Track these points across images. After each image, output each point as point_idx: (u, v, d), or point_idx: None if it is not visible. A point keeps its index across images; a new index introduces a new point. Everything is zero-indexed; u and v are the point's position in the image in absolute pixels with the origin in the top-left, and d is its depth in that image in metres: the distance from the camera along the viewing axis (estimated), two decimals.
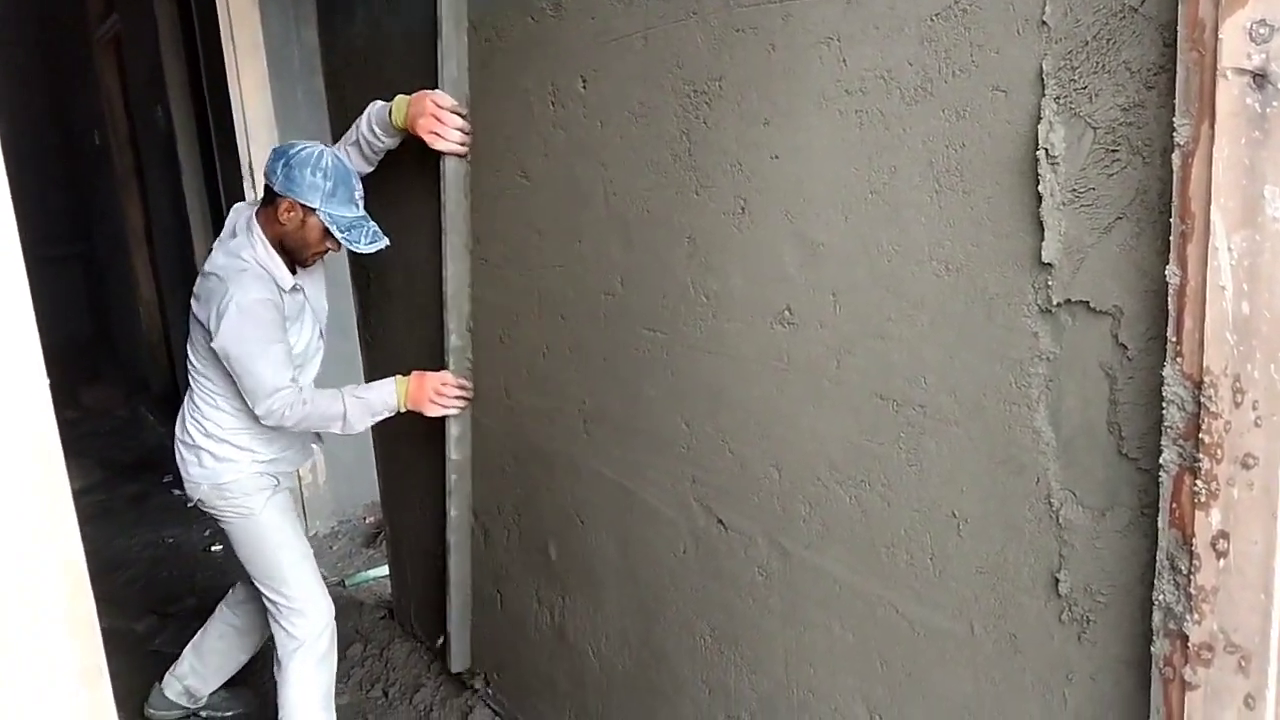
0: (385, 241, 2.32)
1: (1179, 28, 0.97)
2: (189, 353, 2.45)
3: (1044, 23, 1.11)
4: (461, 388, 2.45)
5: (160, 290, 6.01)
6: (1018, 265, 1.20)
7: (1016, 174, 1.17)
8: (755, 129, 1.51)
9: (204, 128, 4.29)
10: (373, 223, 2.34)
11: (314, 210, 2.26)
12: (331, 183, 2.25)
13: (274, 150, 2.32)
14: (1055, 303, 1.16)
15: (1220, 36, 0.92)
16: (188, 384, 2.52)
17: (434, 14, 2.20)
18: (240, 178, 3.66)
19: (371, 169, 2.49)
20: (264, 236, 2.32)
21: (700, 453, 1.76)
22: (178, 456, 2.54)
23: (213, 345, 2.25)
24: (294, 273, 2.40)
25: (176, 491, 4.98)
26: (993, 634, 1.32)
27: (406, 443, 2.89)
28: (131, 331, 6.90)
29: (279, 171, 2.26)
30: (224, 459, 2.46)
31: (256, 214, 2.35)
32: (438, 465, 2.65)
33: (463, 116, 2.24)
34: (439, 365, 2.48)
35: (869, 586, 1.49)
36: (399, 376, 2.43)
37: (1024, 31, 1.13)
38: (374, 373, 2.97)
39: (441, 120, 2.23)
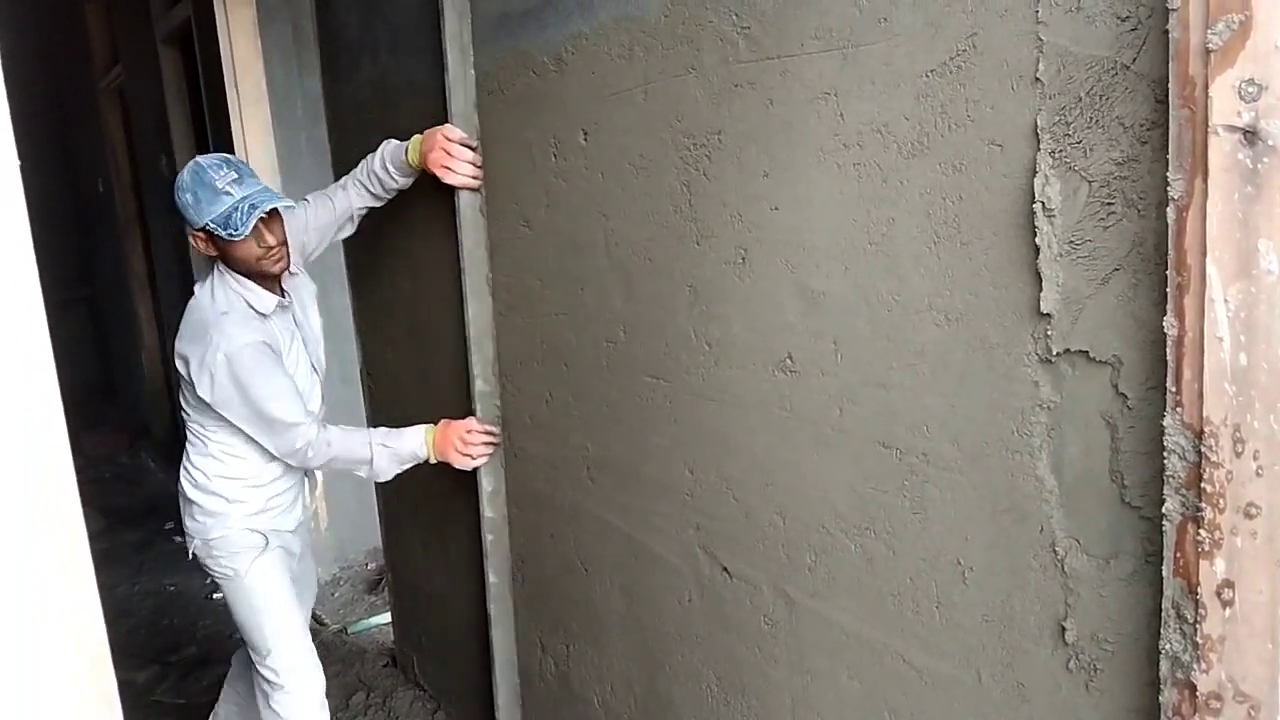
0: (269, 202, 2.14)
1: (1170, 85, 0.98)
2: (181, 400, 2.34)
3: (1038, 79, 1.13)
4: (488, 434, 2.31)
5: (163, 336, 6.04)
6: (1017, 315, 1.21)
7: (1013, 226, 1.19)
8: (755, 181, 1.53)
9: None
10: (247, 191, 2.14)
11: (205, 227, 2.14)
12: (191, 194, 2.13)
13: None
14: (1055, 352, 1.17)
15: (1210, 94, 0.94)
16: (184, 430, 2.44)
17: (440, 54, 2.23)
18: None
19: (379, 205, 2.45)
20: (227, 270, 2.25)
21: (705, 500, 1.77)
22: (180, 503, 2.45)
23: (210, 403, 2.17)
24: (282, 294, 2.32)
25: (178, 538, 4.97)
26: (1000, 683, 1.32)
27: (416, 489, 2.89)
28: (134, 377, 6.93)
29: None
30: (213, 513, 2.34)
31: None
32: (451, 513, 2.65)
33: (473, 149, 2.20)
34: (460, 413, 2.39)
35: (875, 635, 1.48)
36: (428, 425, 2.33)
37: (1018, 87, 1.15)
38: (377, 422, 2.97)
39: (451, 153, 2.18)
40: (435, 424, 2.34)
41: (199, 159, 2.18)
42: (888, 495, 1.42)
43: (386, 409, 2.98)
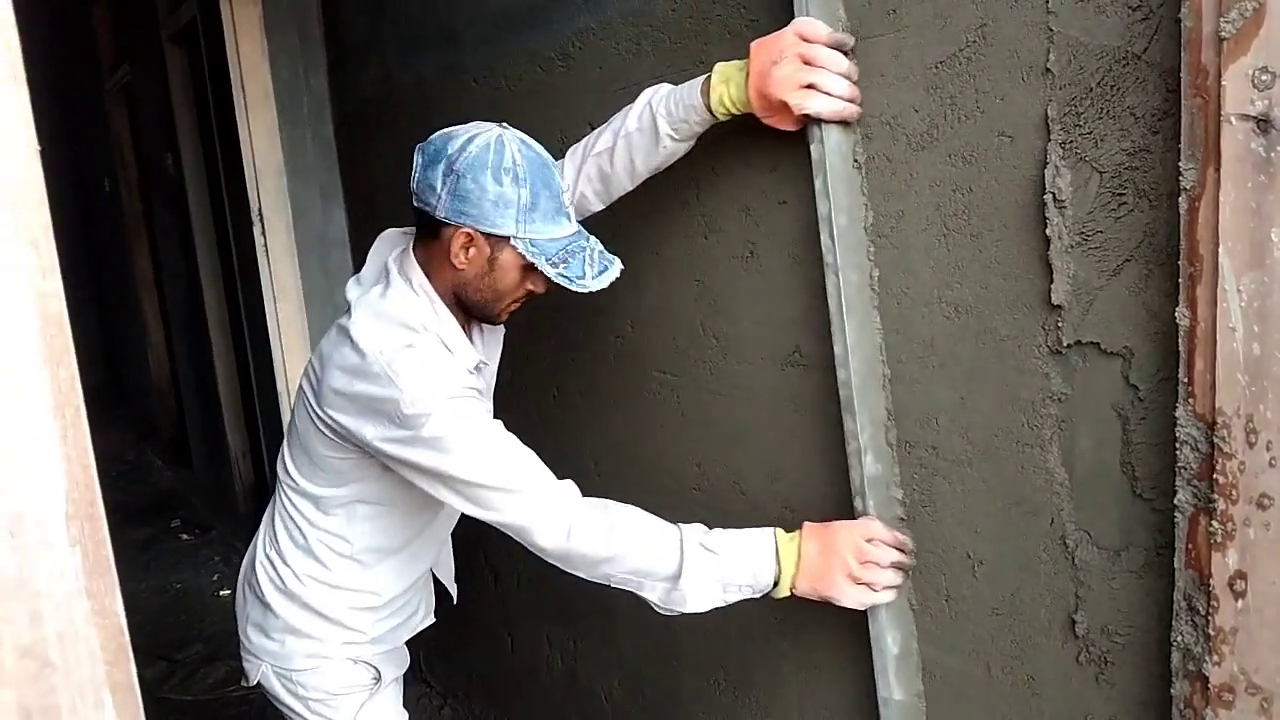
0: (618, 266, 1.50)
1: (1182, 74, 0.98)
2: (285, 451, 1.64)
3: (1048, 70, 1.13)
4: (900, 548, 1.37)
5: (169, 334, 6.05)
6: (1027, 307, 1.21)
7: (1024, 218, 1.18)
8: (763, 176, 1.53)
9: (213, 174, 4.34)
10: (592, 238, 1.51)
11: (506, 239, 1.44)
12: (528, 190, 1.41)
13: (423, 152, 1.47)
14: (1065, 344, 1.17)
15: (1223, 83, 0.93)
16: (271, 499, 1.72)
17: (451, 60, 2.22)
18: (249, 223, 3.70)
19: (608, 201, 1.63)
20: (430, 287, 1.50)
21: (712, 494, 1.76)
22: (237, 600, 1.77)
23: (406, 469, 1.44)
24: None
25: (184, 536, 4.99)
26: (1010, 676, 1.31)
27: None
28: (140, 376, 6.94)
29: (440, 187, 1.42)
30: (300, 633, 1.63)
31: (414, 251, 1.52)
32: None
33: (848, 54, 1.33)
34: (806, 515, 1.47)
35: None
36: (779, 530, 1.39)
37: (1028, 78, 1.15)
38: None
39: (816, 62, 1.29)
40: (790, 530, 1.40)
41: (528, 141, 1.47)
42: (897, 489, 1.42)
43: None
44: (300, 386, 1.61)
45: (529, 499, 1.40)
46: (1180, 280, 1.01)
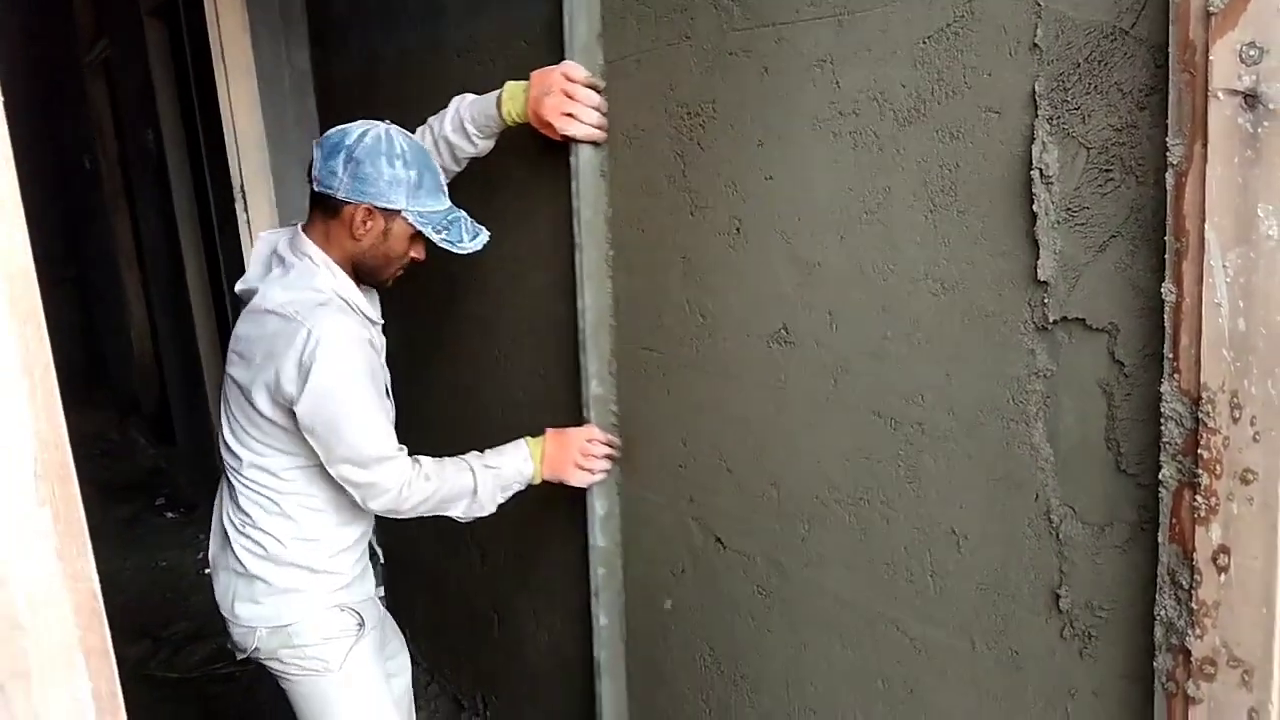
0: (486, 234, 1.83)
1: (1170, 49, 0.98)
2: (227, 437, 1.84)
3: (1036, 45, 1.12)
4: (610, 445, 1.91)
5: (151, 312, 6.00)
6: (1013, 284, 1.20)
7: (1011, 194, 1.18)
8: (749, 150, 1.52)
9: (194, 150, 4.29)
10: (461, 210, 1.83)
11: (398, 212, 1.75)
12: (415, 171, 1.74)
13: (321, 146, 1.77)
14: (1051, 320, 1.17)
15: (1211, 58, 0.93)
16: (224, 482, 1.91)
17: (433, 34, 2.20)
18: (231, 199, 3.67)
19: (451, 177, 1.96)
20: (328, 258, 1.78)
21: (698, 472, 1.77)
22: (217, 586, 1.92)
23: (295, 411, 1.67)
24: None
25: (169, 514, 4.97)
26: (994, 650, 1.32)
27: None
28: (123, 354, 6.89)
29: (342, 172, 1.71)
30: (289, 589, 1.83)
31: (306, 234, 1.79)
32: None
33: (599, 91, 1.77)
34: (560, 422, 1.98)
35: (869, 604, 1.49)
36: (528, 437, 1.91)
37: (1016, 54, 1.15)
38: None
39: (575, 97, 1.74)
40: (535, 435, 1.92)
41: (406, 134, 1.80)
42: (882, 465, 1.42)
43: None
44: (227, 374, 1.81)
45: (386, 466, 1.73)
46: (1166, 256, 1.01)
